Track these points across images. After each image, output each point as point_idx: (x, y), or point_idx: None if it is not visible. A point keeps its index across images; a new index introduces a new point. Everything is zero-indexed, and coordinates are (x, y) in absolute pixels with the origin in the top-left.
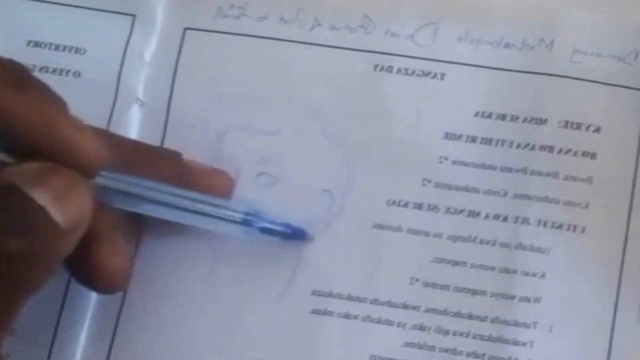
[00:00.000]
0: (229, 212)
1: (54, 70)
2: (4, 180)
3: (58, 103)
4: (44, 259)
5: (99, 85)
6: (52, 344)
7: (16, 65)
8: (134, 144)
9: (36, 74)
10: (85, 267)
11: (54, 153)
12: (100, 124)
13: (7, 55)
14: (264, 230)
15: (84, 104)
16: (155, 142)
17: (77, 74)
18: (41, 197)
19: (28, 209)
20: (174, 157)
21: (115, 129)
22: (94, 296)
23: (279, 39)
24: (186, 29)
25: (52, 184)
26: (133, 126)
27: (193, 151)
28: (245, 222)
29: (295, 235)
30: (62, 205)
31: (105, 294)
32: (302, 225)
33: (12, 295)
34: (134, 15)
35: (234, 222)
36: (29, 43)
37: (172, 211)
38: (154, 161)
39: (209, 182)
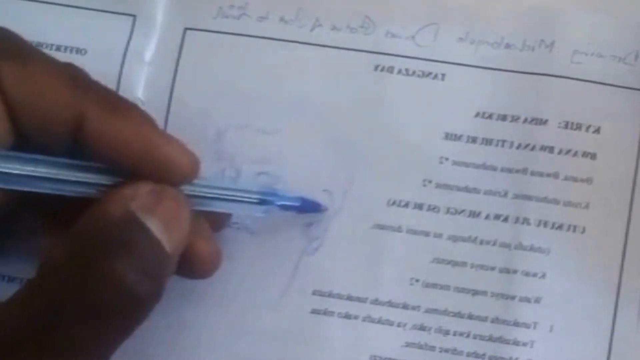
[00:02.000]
0: (245, 195)
1: None
2: (123, 207)
3: (150, 120)
4: (161, 294)
5: None
6: None
7: (109, 90)
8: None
9: None
10: (181, 262)
11: (152, 170)
12: None
13: None
14: (282, 207)
15: None
16: None
17: None
18: (155, 226)
19: (148, 245)
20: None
21: None
22: None
23: (279, 39)
24: (186, 29)
25: (163, 210)
26: None
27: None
28: (262, 202)
29: (310, 208)
30: (171, 234)
31: (201, 278)
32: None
33: (126, 333)
34: (134, 16)
35: (252, 203)
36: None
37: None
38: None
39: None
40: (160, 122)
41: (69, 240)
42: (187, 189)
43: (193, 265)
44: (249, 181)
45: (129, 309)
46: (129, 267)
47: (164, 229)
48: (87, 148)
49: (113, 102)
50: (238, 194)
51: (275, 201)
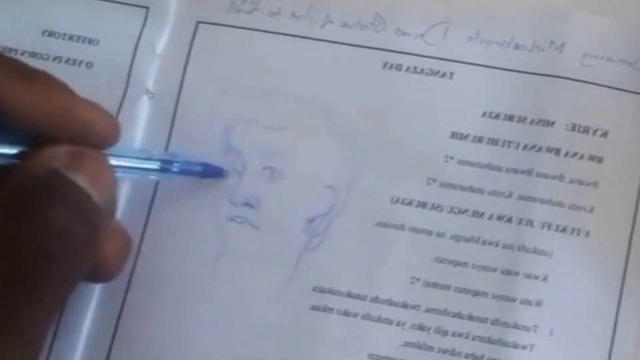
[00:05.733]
0: (146, 162)
1: (67, 60)
2: (45, 166)
3: (65, 87)
4: (96, 241)
5: (111, 75)
6: (55, 331)
7: (17, 61)
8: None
9: (50, 63)
10: None
11: (72, 136)
12: None
13: (22, 44)
14: (183, 172)
15: (95, 94)
16: (164, 134)
17: (90, 65)
18: (81, 181)
19: (78, 195)
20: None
21: (124, 119)
22: (97, 291)
23: (290, 34)
24: (199, 22)
25: (86, 167)
26: (142, 117)
27: (200, 143)
28: (163, 170)
29: (212, 173)
30: (98, 187)
31: (102, 282)
32: (219, 164)
33: (75, 280)
34: (147, 8)
35: (153, 170)
36: (43, 33)
37: None
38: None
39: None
40: (168, 114)
41: None
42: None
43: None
44: (149, 148)
45: (66, 254)
46: (62, 213)
47: (90, 183)
48: (6, 120)
49: (25, 71)
50: (138, 163)
51: (175, 167)
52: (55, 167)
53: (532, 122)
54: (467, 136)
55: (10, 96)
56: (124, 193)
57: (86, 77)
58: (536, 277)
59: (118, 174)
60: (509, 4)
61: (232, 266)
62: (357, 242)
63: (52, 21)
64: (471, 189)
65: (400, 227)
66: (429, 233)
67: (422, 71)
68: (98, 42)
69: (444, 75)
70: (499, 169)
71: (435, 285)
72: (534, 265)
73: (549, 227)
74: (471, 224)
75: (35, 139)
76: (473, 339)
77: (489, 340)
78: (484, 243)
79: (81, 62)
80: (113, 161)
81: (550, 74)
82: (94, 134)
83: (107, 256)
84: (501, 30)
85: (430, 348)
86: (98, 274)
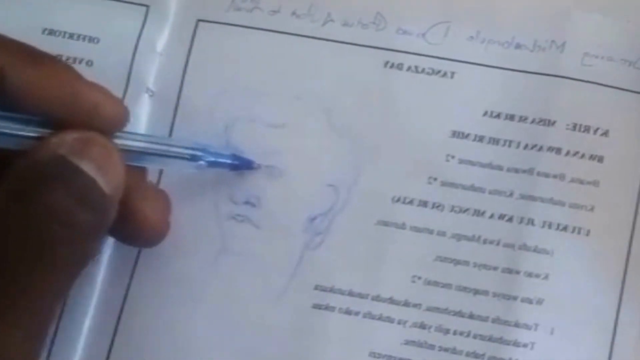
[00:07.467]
0: (175, 150)
1: (68, 59)
2: (52, 152)
3: (71, 69)
4: (102, 227)
5: (111, 74)
6: (56, 331)
7: (24, 44)
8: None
9: None
10: (124, 222)
11: (79, 118)
12: None
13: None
14: (212, 164)
15: None
16: (164, 132)
17: (90, 63)
18: (87, 167)
19: (83, 181)
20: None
21: None
22: (97, 291)
23: (290, 33)
24: (199, 20)
25: (93, 154)
26: (143, 115)
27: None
28: (193, 158)
29: (242, 165)
30: (104, 174)
31: (148, 246)
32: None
33: (80, 264)
34: (147, 6)
35: (182, 159)
36: (44, 31)
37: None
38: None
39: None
40: (169, 112)
41: None
42: (115, 143)
43: (136, 230)
44: (180, 138)
45: (69, 239)
46: (64, 198)
47: (97, 170)
48: (13, 102)
49: (32, 54)
50: (169, 149)
51: (205, 157)
52: (61, 154)
53: (533, 121)
54: (468, 135)
55: (19, 77)
56: None
57: (86, 76)
58: (537, 276)
59: (143, 163)
60: (510, 3)
61: (233, 265)
62: (358, 240)
63: (52, 20)
64: (472, 188)
65: (402, 226)
66: (430, 232)
67: (423, 70)
68: (98, 41)
69: (445, 74)
70: (500, 168)
71: (436, 283)
72: (534, 263)
73: (550, 226)
74: (472, 223)
75: (45, 121)
76: (474, 338)
77: (490, 339)
78: (485, 242)
79: (81, 60)
80: (137, 147)
81: (551, 74)
82: (101, 116)
83: (149, 215)
84: (502, 30)
85: (431, 346)
86: (144, 235)
